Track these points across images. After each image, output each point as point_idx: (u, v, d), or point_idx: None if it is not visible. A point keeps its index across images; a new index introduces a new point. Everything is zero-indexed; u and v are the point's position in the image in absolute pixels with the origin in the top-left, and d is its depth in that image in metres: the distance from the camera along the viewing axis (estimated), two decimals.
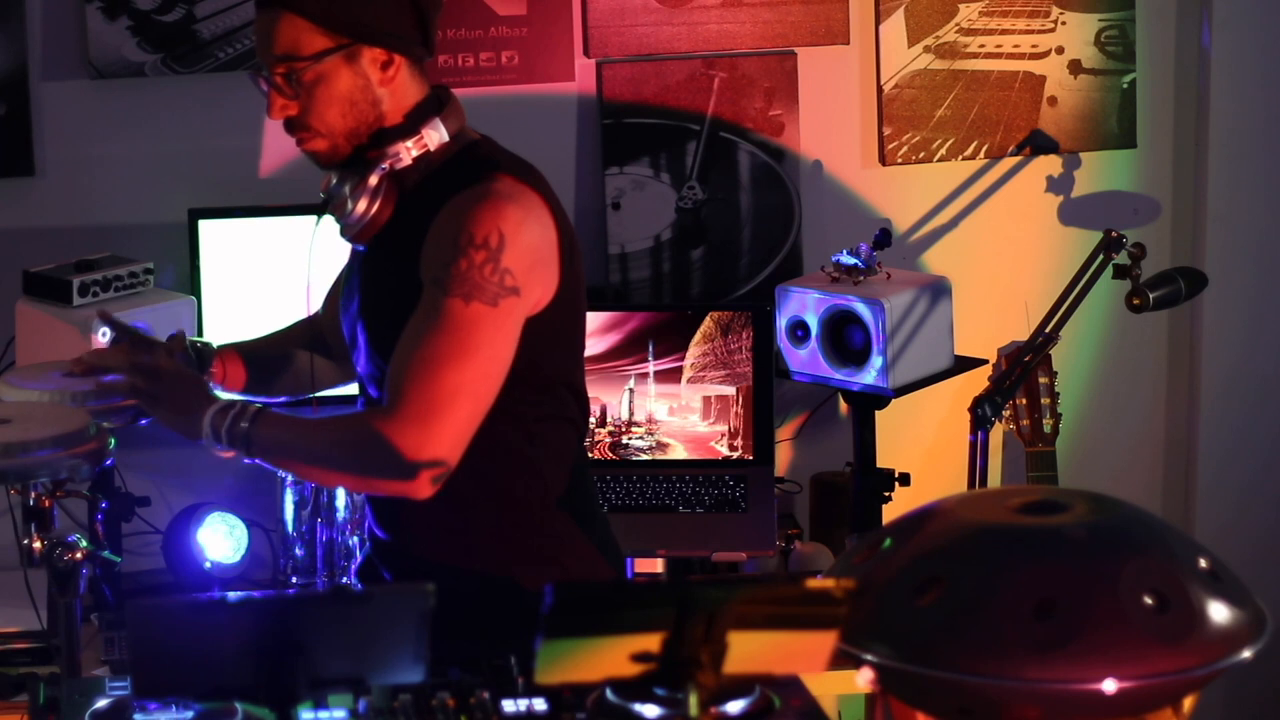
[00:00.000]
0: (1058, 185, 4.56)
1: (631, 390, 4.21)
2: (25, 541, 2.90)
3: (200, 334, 3.99)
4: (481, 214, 2.87)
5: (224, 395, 3.15)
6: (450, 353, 2.83)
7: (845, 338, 4.12)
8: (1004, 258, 4.56)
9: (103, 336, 3.73)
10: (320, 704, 2.51)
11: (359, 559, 3.81)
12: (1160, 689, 2.35)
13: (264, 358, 3.32)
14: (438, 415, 2.82)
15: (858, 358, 4.10)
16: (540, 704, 2.61)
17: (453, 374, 2.83)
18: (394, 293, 2.94)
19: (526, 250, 2.89)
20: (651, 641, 2.29)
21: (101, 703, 2.67)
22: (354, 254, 3.13)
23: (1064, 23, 4.50)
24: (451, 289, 2.84)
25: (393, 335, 2.91)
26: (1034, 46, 4.50)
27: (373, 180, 2.97)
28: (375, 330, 3.00)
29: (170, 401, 2.99)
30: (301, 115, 2.96)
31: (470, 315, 2.84)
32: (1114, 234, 3.86)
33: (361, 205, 2.97)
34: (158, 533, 4.11)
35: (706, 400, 4.20)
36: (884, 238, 4.15)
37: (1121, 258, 3.87)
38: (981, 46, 4.48)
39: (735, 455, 4.20)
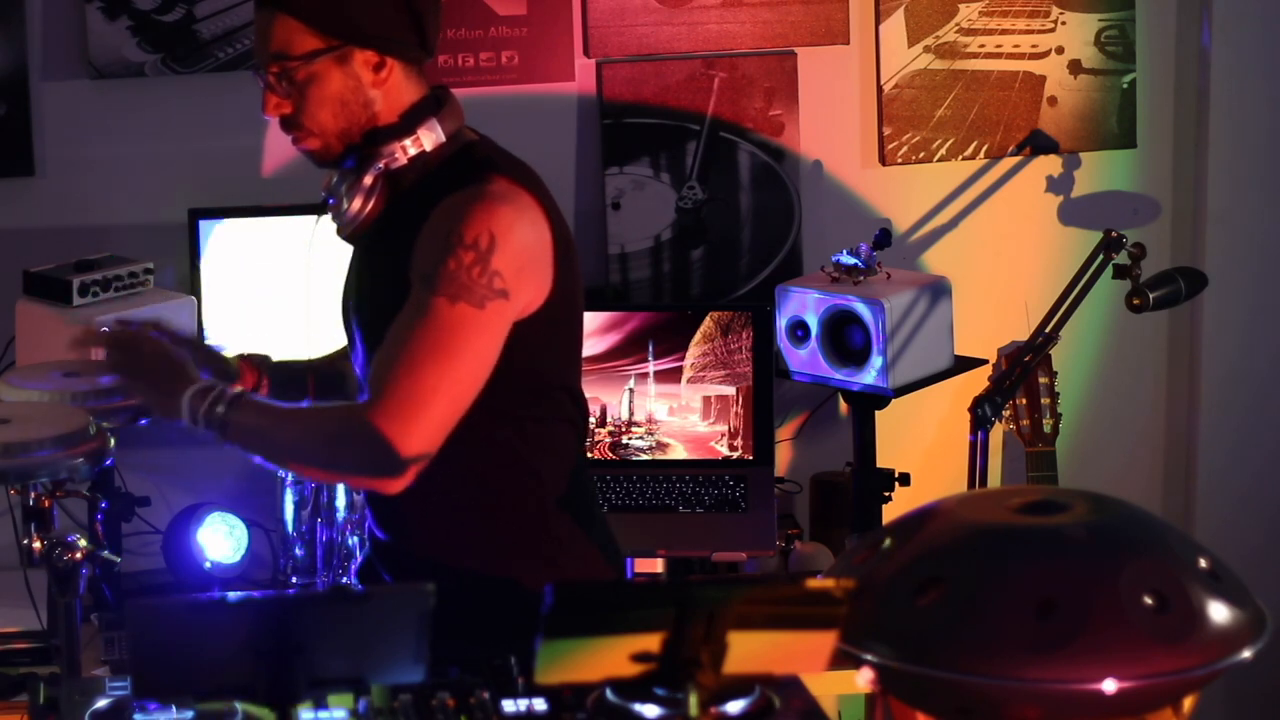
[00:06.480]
0: (1058, 185, 4.55)
1: (631, 390, 4.21)
2: (25, 541, 2.90)
3: (200, 335, 3.98)
4: (473, 214, 2.87)
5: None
6: (433, 352, 2.83)
7: (845, 338, 4.12)
8: (1004, 258, 4.56)
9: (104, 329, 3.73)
10: (320, 704, 2.51)
11: (359, 559, 3.81)
12: (1160, 689, 2.36)
13: (288, 374, 3.31)
14: (416, 413, 2.82)
15: (858, 358, 4.09)
16: (540, 704, 2.61)
17: (433, 373, 2.83)
18: (386, 292, 2.94)
19: (517, 252, 2.89)
20: (651, 641, 2.29)
21: (101, 703, 2.67)
22: (354, 254, 3.13)
23: (1064, 23, 4.50)
24: (439, 288, 2.84)
25: (384, 334, 2.91)
26: (1034, 46, 4.49)
27: (367, 179, 2.98)
28: (367, 328, 3.01)
29: (149, 376, 3.00)
30: (295, 114, 2.98)
31: (455, 316, 2.84)
32: (1114, 234, 3.86)
33: (356, 203, 2.99)
34: (158, 533, 4.11)
35: (706, 400, 4.20)
36: (884, 238, 4.15)
37: (1121, 258, 3.87)
38: (981, 46, 4.47)
39: (735, 455, 4.20)
